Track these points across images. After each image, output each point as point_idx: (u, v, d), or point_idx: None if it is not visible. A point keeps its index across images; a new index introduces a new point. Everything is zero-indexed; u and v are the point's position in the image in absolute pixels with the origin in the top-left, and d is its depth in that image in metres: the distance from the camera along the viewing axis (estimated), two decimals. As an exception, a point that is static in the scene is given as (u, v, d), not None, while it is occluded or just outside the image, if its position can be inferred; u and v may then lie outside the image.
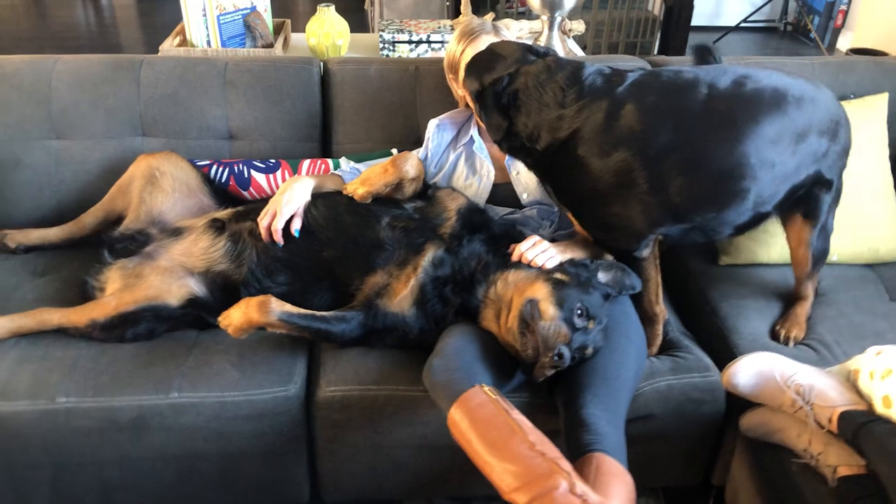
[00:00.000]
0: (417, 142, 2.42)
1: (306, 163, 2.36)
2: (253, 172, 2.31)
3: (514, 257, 1.90)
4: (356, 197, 2.03)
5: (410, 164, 2.02)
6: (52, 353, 1.88)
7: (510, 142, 1.90)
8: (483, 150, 2.26)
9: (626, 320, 1.92)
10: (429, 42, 2.81)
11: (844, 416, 1.58)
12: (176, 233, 2.09)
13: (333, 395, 1.87)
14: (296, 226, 1.98)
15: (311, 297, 1.96)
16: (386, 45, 2.80)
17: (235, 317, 1.83)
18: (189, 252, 2.03)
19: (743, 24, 6.43)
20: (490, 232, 1.99)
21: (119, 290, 1.94)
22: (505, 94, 1.86)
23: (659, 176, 1.75)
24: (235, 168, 2.32)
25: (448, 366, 1.70)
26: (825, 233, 2.03)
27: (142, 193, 2.17)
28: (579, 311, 1.75)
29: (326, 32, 2.71)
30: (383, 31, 2.82)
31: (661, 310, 2.01)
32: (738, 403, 1.95)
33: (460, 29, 2.24)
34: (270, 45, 2.77)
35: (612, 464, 1.59)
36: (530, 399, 1.86)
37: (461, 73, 2.19)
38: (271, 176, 2.32)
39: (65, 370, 1.84)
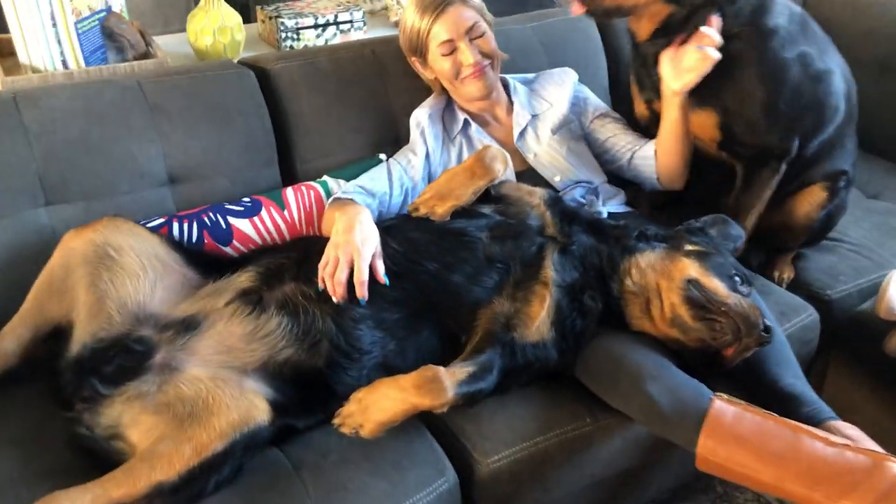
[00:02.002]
0: (398, 141, 2.01)
1: (289, 193, 1.82)
2: (231, 220, 1.73)
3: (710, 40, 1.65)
4: (434, 216, 1.60)
5: (500, 159, 1.64)
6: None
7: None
8: (483, 134, 1.94)
9: None
10: (337, 24, 2.35)
11: None
12: (188, 326, 1.47)
13: (500, 465, 1.47)
14: (382, 269, 1.50)
15: (410, 354, 1.52)
16: (289, 34, 2.27)
17: (378, 409, 1.36)
18: (228, 345, 1.45)
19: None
20: (581, 218, 1.71)
21: (170, 430, 1.31)
22: None
23: (821, 84, 1.79)
24: (205, 219, 1.71)
25: (669, 386, 1.42)
26: (830, 216, 1.99)
27: (96, 285, 1.49)
28: (738, 278, 1.58)
29: (223, 28, 2.11)
30: (278, 17, 2.29)
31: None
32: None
33: (411, 14, 1.85)
34: (146, 56, 2.08)
35: (848, 426, 1.46)
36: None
37: (431, 53, 1.84)
38: (256, 219, 1.75)
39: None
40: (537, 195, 1.70)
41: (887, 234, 2.13)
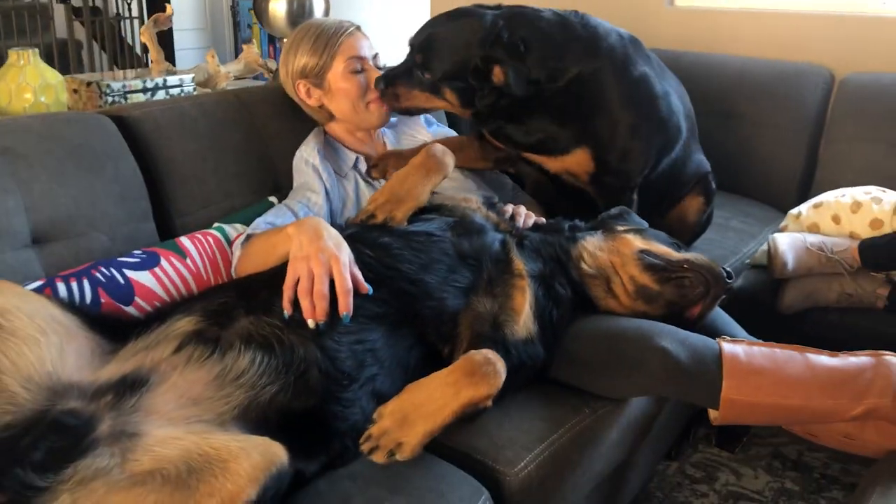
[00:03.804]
0: (279, 187, 1.85)
1: (185, 241, 1.55)
2: (129, 273, 1.41)
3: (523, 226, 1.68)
4: (394, 222, 1.46)
5: (449, 154, 1.56)
6: None
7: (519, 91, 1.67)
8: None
9: None
10: (166, 88, 2.13)
11: (862, 247, 1.88)
12: (133, 384, 1.14)
13: (528, 471, 1.31)
14: (361, 277, 1.31)
15: (398, 376, 1.33)
16: (116, 97, 2.00)
17: (422, 416, 1.19)
18: (193, 397, 1.14)
19: None
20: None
21: (171, 495, 0.98)
22: (519, 43, 1.66)
23: (663, 101, 1.86)
24: (98, 275, 1.38)
25: (679, 339, 1.40)
26: (709, 216, 2.16)
27: None
28: (676, 245, 1.65)
29: (46, 86, 1.78)
30: (100, 81, 2.01)
31: None
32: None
33: (313, 34, 1.77)
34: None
35: None
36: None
37: (335, 71, 1.75)
38: (157, 270, 1.45)
39: None
40: (473, 200, 1.64)
41: (724, 230, 2.36)
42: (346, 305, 1.26)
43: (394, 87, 1.74)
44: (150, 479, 1.00)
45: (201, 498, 0.96)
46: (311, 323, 1.24)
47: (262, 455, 1.03)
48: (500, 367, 1.23)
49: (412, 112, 1.81)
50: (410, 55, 1.76)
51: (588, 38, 1.76)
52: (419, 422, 1.17)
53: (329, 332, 1.25)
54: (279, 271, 1.33)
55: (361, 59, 1.76)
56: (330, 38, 1.76)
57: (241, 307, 1.27)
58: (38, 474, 1.00)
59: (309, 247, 1.29)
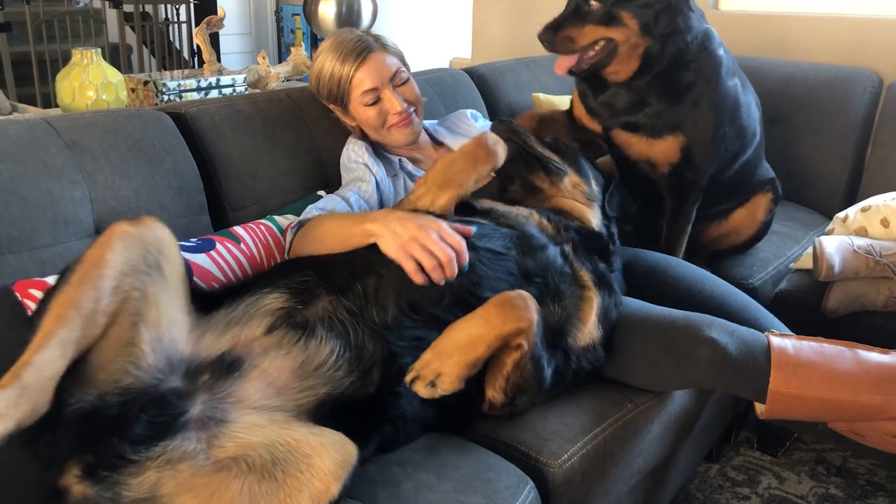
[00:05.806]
0: (329, 184, 1.88)
1: (238, 229, 1.59)
2: (187, 255, 1.45)
3: None
4: (436, 209, 1.45)
5: (500, 144, 1.53)
6: None
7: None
8: (420, 172, 1.89)
9: None
10: (219, 87, 2.19)
11: None
12: (229, 367, 1.16)
13: (571, 463, 1.33)
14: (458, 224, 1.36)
15: None
16: (171, 96, 2.07)
17: (460, 348, 1.21)
18: (279, 386, 1.16)
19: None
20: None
21: (258, 484, 1.01)
22: None
23: (745, 111, 1.98)
24: (157, 262, 1.43)
25: (727, 330, 1.41)
26: (773, 218, 2.22)
27: (134, 307, 1.11)
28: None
29: (107, 85, 1.85)
30: (156, 80, 2.08)
31: None
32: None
33: (328, 72, 1.78)
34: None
35: None
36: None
37: (354, 102, 1.78)
38: (213, 253, 1.50)
39: None
40: (523, 206, 1.64)
41: (767, 233, 2.37)
42: (451, 273, 1.30)
43: (563, 30, 1.78)
44: (234, 465, 1.03)
45: (291, 492, 1.00)
46: (450, 268, 1.30)
47: (340, 452, 1.05)
48: (532, 304, 1.24)
49: (599, 64, 1.82)
50: None
51: (705, 30, 1.85)
52: (455, 352, 1.19)
53: (396, 330, 1.26)
54: (356, 254, 1.36)
55: (374, 90, 1.75)
56: (342, 76, 1.76)
57: (322, 286, 1.28)
58: (132, 447, 1.04)
59: (406, 230, 1.31)
